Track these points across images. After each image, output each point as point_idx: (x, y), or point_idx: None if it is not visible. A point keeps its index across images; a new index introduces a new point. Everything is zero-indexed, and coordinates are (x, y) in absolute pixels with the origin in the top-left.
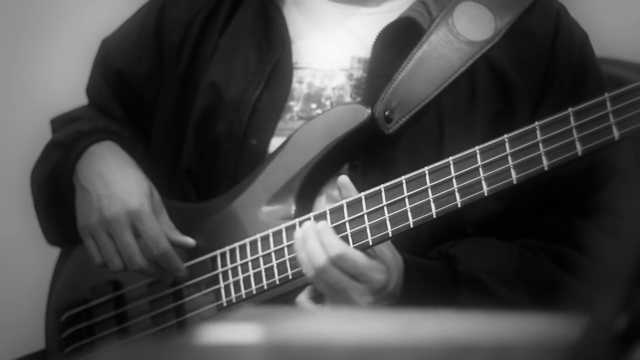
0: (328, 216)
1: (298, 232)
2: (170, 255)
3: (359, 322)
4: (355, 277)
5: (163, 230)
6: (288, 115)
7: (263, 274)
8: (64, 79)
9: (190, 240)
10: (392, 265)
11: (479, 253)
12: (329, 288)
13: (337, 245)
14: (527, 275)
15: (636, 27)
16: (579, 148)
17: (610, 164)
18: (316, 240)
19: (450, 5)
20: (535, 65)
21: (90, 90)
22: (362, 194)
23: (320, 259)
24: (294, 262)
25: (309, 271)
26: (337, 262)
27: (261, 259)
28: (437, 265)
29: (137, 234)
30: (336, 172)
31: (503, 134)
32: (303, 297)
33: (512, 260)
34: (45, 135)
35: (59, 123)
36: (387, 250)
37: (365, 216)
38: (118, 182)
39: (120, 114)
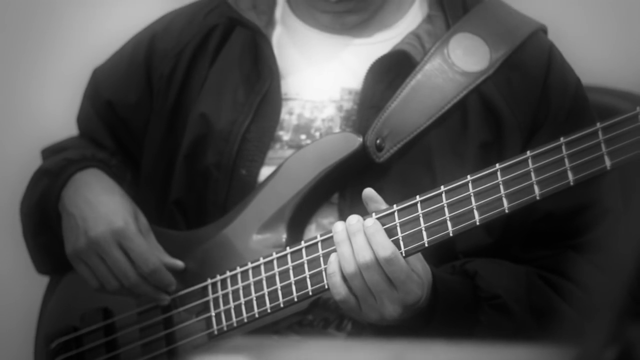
0: (319, 245)
1: (339, 226)
2: (161, 271)
3: (349, 352)
4: (395, 285)
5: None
6: (278, 145)
7: (254, 302)
8: (55, 109)
9: (179, 263)
10: (425, 280)
11: (496, 270)
12: (364, 289)
13: (389, 247)
14: (534, 297)
15: (625, 55)
16: (570, 177)
17: (603, 205)
18: (364, 237)
19: (446, 35)
20: (526, 100)
21: (81, 119)
22: None
23: (367, 255)
24: (286, 289)
25: (350, 266)
26: (386, 264)
27: (252, 287)
28: (460, 281)
29: (126, 253)
30: (326, 201)
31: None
32: None
33: (522, 281)
34: (36, 165)
35: (49, 153)
36: (418, 263)
37: None
38: (103, 204)
39: (110, 144)
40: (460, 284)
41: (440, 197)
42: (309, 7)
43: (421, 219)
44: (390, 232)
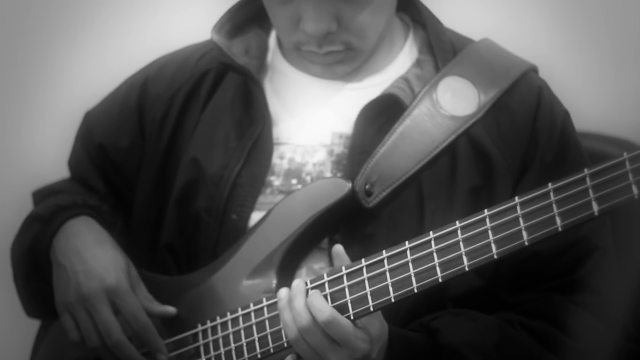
0: (309, 288)
1: (282, 292)
2: (150, 329)
3: None
4: (339, 343)
5: (142, 304)
6: (268, 190)
7: (244, 347)
8: (47, 151)
9: (170, 309)
10: (376, 335)
11: (460, 326)
12: (310, 351)
13: (327, 310)
14: (507, 350)
15: (615, 101)
16: (559, 223)
17: (590, 241)
18: (302, 301)
19: (435, 79)
20: (516, 142)
21: (72, 162)
22: (344, 267)
23: (305, 319)
24: (276, 335)
25: (291, 332)
26: (326, 326)
27: (243, 333)
28: (420, 338)
29: (116, 310)
30: (316, 246)
31: (483, 209)
32: None
33: (492, 335)
34: (27, 207)
35: (40, 196)
36: (375, 319)
37: (347, 290)
38: (95, 258)
39: (101, 187)
40: (420, 341)
41: (430, 244)
42: (299, 57)
43: (410, 265)
44: (380, 279)
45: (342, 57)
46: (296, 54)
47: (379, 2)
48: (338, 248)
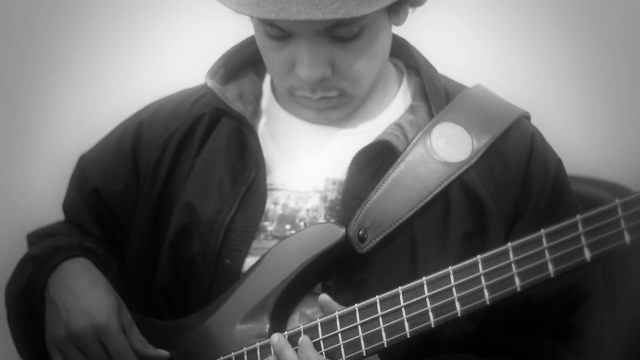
0: (302, 334)
1: (275, 338)
2: None
3: None
4: None
5: (135, 347)
6: (262, 235)
7: None
8: (41, 193)
9: (164, 353)
10: None
11: None
12: None
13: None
14: None
15: (606, 145)
16: (551, 269)
17: (582, 289)
18: (292, 351)
19: (429, 125)
20: (509, 189)
21: (67, 206)
22: (337, 312)
23: None
24: None
25: None
26: None
27: None
28: None
29: (105, 349)
30: (309, 291)
31: (476, 255)
32: None
33: None
34: (22, 250)
35: (35, 238)
36: None
37: (340, 335)
38: (87, 297)
39: (95, 231)
40: None
41: (422, 289)
42: (292, 102)
43: (403, 310)
44: (373, 324)
45: (335, 103)
46: (290, 99)
47: (374, 49)
48: (324, 297)
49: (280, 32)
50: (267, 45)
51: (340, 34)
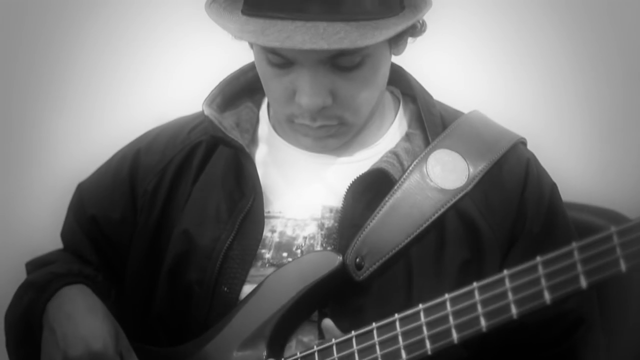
0: None
1: None
2: None
3: None
4: None
5: None
6: (260, 263)
7: None
8: (40, 222)
9: None
10: None
11: None
12: None
13: None
14: None
15: (602, 172)
16: (547, 297)
17: (577, 314)
18: None
19: (425, 152)
20: (504, 214)
21: (65, 234)
22: (334, 340)
23: None
24: None
25: None
26: None
27: None
28: None
29: None
30: (306, 318)
31: (471, 282)
32: None
33: None
34: (20, 278)
35: (34, 266)
36: None
37: None
38: (84, 323)
39: (93, 259)
40: None
41: (419, 316)
42: (291, 130)
43: (399, 338)
44: (370, 351)
45: (334, 131)
46: (288, 127)
47: (375, 79)
48: (327, 322)
49: (282, 59)
50: (268, 73)
51: (342, 63)
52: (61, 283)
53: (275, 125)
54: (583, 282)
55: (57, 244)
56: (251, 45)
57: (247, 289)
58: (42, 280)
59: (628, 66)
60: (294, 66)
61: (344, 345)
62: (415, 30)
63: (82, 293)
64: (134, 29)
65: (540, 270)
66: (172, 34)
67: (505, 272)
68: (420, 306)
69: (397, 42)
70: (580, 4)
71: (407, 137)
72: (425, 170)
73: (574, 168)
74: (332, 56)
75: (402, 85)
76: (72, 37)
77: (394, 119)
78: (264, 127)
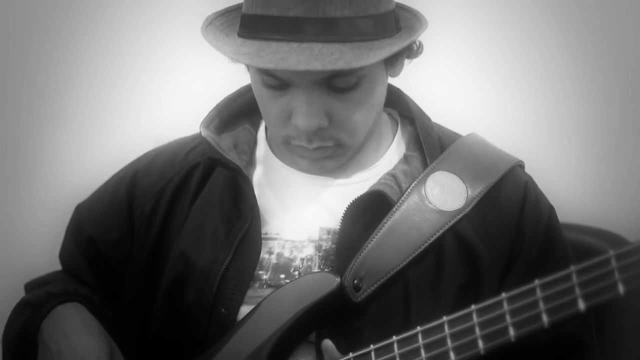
0: None
1: None
2: None
3: None
4: None
5: None
6: (257, 284)
7: None
8: (38, 243)
9: None
10: None
11: None
12: None
13: None
14: None
15: (599, 194)
16: (545, 320)
17: (575, 337)
18: None
19: (424, 174)
20: (502, 237)
21: (63, 255)
22: None
23: None
24: None
25: None
26: None
27: None
28: None
29: None
30: (304, 340)
31: (469, 305)
32: None
33: None
34: (19, 299)
35: (32, 287)
36: None
37: None
38: (79, 340)
39: (91, 279)
40: None
41: (417, 338)
42: (288, 152)
43: None
44: None
45: (330, 153)
46: (285, 149)
47: (371, 100)
48: (327, 343)
49: (277, 81)
50: (264, 95)
51: (338, 84)
52: (56, 301)
53: (273, 147)
54: (581, 305)
55: (55, 264)
56: (247, 67)
57: (244, 310)
58: (38, 299)
59: (625, 87)
60: (289, 88)
61: None
62: (412, 51)
63: (77, 311)
64: (133, 51)
65: (539, 293)
66: (170, 56)
67: (504, 294)
68: (419, 328)
69: (393, 63)
70: (577, 25)
71: (405, 159)
72: (423, 192)
73: (571, 189)
74: (328, 77)
75: (400, 107)
76: (71, 56)
77: (392, 141)
78: (262, 149)
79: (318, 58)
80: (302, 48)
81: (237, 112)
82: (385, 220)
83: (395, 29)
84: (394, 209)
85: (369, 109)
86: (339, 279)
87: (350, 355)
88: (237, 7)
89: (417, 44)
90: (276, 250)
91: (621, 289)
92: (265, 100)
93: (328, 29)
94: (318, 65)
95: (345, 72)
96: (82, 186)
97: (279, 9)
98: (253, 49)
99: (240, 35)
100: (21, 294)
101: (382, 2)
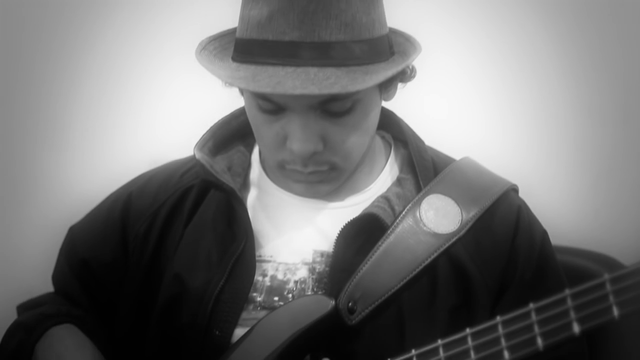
0: None
1: None
2: None
3: None
4: None
5: None
6: (251, 306)
7: None
8: (31, 264)
9: None
10: None
11: None
12: None
13: None
14: None
15: (593, 217)
16: (540, 343)
17: (568, 348)
18: None
19: (419, 197)
20: (495, 261)
21: (56, 277)
22: None
23: None
24: None
25: None
26: None
27: None
28: None
29: None
30: None
31: (463, 328)
32: None
33: None
34: (12, 320)
35: (25, 309)
36: None
37: None
38: None
39: (84, 301)
40: None
41: None
42: (282, 175)
43: None
44: None
45: (325, 177)
46: (280, 173)
47: (365, 124)
48: None
49: (272, 105)
50: (259, 119)
51: (333, 108)
52: (50, 323)
53: (267, 170)
54: (576, 329)
55: (48, 286)
56: (241, 91)
57: (239, 332)
58: (32, 321)
59: (619, 110)
60: (284, 112)
61: None
62: (405, 75)
63: (70, 332)
64: (127, 73)
65: (534, 317)
66: (164, 79)
67: (499, 318)
68: (413, 352)
69: (387, 87)
70: (570, 47)
71: (399, 181)
72: (418, 214)
73: (565, 212)
74: (323, 101)
75: (394, 130)
76: (66, 77)
77: (385, 164)
78: (256, 171)
79: (314, 82)
80: (297, 72)
81: (231, 135)
82: (380, 243)
83: (389, 53)
84: (389, 231)
85: (363, 132)
86: (333, 302)
87: None
88: (230, 32)
89: (410, 67)
90: (270, 272)
91: (616, 312)
92: (260, 124)
93: (323, 53)
94: (314, 90)
95: (340, 96)
96: (75, 208)
97: (275, 34)
98: (249, 73)
99: (234, 59)
100: (14, 315)
101: (376, 27)
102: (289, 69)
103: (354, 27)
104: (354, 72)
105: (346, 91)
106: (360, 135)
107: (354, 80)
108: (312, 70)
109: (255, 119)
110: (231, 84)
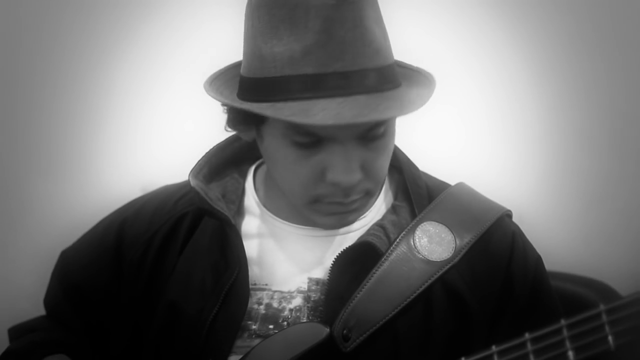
0: None
1: None
2: None
3: None
4: None
5: None
6: (246, 334)
7: None
8: (23, 288)
9: None
10: None
11: None
12: None
13: None
14: None
15: (587, 243)
16: None
17: None
18: None
19: (412, 224)
20: (490, 287)
21: (48, 301)
22: None
23: None
24: None
25: None
26: None
27: None
28: None
29: None
30: None
31: (458, 355)
32: None
33: None
34: (3, 344)
35: (16, 333)
36: None
37: None
38: None
39: (77, 326)
40: None
41: None
42: (310, 212)
43: None
44: None
45: (358, 204)
46: (308, 208)
47: (391, 145)
48: None
49: (311, 138)
50: (293, 156)
51: (371, 135)
52: (41, 352)
53: (262, 198)
54: (571, 358)
55: (40, 309)
56: (259, 134)
57: (233, 359)
58: (22, 350)
59: (611, 136)
60: (321, 145)
61: None
62: None
63: None
64: (121, 96)
65: (529, 347)
66: (159, 102)
67: (494, 347)
68: None
69: None
70: (564, 72)
71: (394, 209)
72: (412, 242)
73: (559, 238)
74: (368, 129)
75: None
76: (57, 101)
77: (380, 191)
78: (250, 199)
79: (371, 109)
80: (348, 102)
81: (225, 161)
82: (374, 271)
83: (399, 81)
84: (382, 259)
85: (389, 154)
86: (328, 329)
87: None
88: (227, 70)
89: None
90: (265, 300)
91: (612, 342)
92: (293, 162)
93: (365, 81)
94: (376, 116)
95: (380, 122)
96: (67, 232)
97: (315, 67)
98: (295, 109)
99: (254, 100)
100: (5, 338)
101: (391, 52)
102: (339, 100)
103: (382, 53)
104: (394, 96)
105: (402, 114)
106: (388, 158)
107: (402, 104)
108: (361, 99)
109: (287, 158)
110: (290, 121)
